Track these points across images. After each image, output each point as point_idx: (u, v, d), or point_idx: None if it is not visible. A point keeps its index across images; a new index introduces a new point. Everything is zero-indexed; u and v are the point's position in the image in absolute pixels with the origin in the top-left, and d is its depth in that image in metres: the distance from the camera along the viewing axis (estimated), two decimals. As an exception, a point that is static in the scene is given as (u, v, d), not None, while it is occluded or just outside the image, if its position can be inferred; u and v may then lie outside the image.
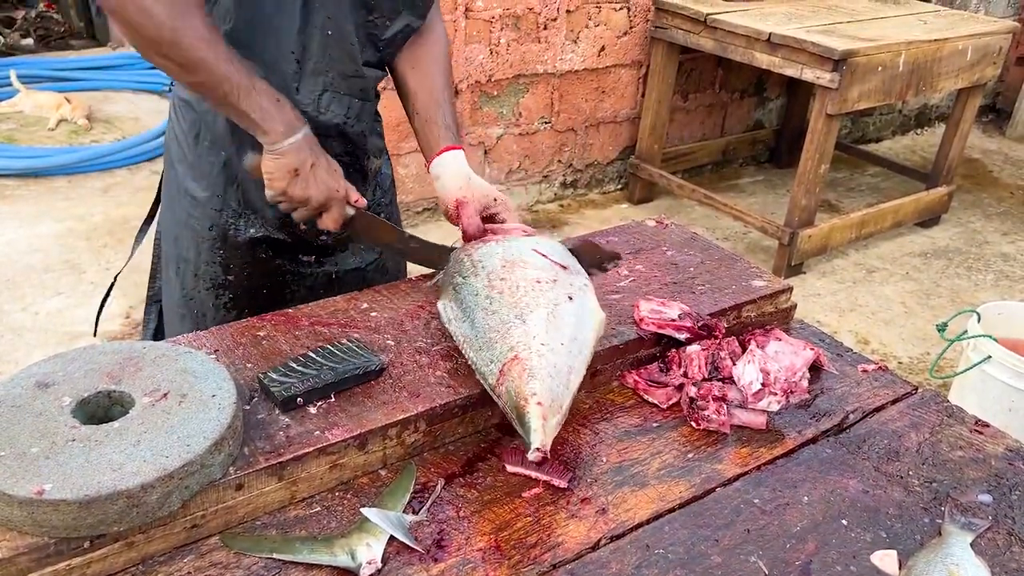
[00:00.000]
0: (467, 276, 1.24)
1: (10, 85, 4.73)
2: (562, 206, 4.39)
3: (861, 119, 5.51)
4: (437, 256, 1.39)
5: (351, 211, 1.32)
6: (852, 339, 3.41)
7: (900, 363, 3.29)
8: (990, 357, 2.42)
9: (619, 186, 4.62)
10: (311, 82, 1.33)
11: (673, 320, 1.30)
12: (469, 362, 1.15)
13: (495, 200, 1.41)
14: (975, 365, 2.46)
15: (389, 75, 1.50)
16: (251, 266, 1.46)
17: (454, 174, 1.40)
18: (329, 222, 1.29)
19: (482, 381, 1.11)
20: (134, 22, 1.15)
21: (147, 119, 4.75)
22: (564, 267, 1.26)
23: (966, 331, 2.52)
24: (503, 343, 1.10)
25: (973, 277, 4.01)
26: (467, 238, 1.38)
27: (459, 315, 1.20)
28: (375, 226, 1.39)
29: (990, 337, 2.43)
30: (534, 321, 1.12)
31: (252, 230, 1.43)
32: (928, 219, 4.45)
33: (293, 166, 1.23)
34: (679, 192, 4.27)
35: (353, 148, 1.44)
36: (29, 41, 5.90)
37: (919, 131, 5.95)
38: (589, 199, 4.50)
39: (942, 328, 2.54)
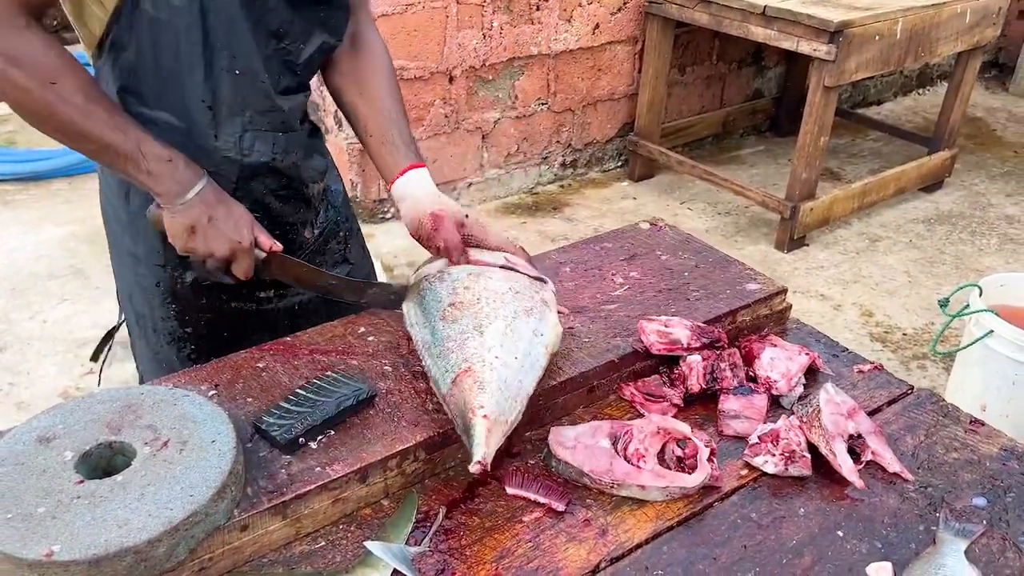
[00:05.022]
0: (433, 281, 1.26)
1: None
2: (563, 187, 4.38)
3: (861, 83, 5.45)
4: (368, 295, 1.34)
5: (261, 254, 1.26)
6: (856, 312, 3.42)
7: (904, 334, 3.29)
8: (992, 332, 2.42)
9: (619, 164, 4.60)
10: (228, 125, 1.28)
11: (682, 344, 1.30)
12: (425, 368, 1.17)
13: (467, 217, 1.35)
14: (977, 340, 2.46)
15: (333, 100, 1.46)
16: (207, 314, 1.42)
17: (423, 191, 1.36)
18: (238, 272, 1.25)
19: (435, 387, 1.14)
20: (10, 98, 1.11)
21: (144, 115, 4.75)
22: (530, 279, 1.29)
23: (967, 305, 2.52)
24: (459, 353, 1.13)
25: (977, 242, 4.00)
26: (448, 253, 1.31)
27: (421, 320, 1.22)
28: (292, 267, 1.31)
29: (991, 311, 2.43)
30: (491, 334, 1.14)
31: (198, 278, 1.37)
32: (931, 184, 4.42)
33: (188, 224, 1.20)
34: (679, 168, 4.25)
35: (288, 181, 1.39)
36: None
37: (921, 91, 5.88)
38: (590, 178, 4.49)
39: (944, 303, 2.54)
